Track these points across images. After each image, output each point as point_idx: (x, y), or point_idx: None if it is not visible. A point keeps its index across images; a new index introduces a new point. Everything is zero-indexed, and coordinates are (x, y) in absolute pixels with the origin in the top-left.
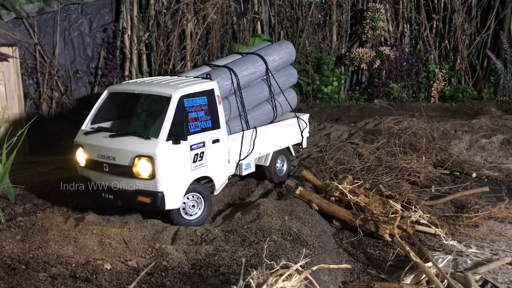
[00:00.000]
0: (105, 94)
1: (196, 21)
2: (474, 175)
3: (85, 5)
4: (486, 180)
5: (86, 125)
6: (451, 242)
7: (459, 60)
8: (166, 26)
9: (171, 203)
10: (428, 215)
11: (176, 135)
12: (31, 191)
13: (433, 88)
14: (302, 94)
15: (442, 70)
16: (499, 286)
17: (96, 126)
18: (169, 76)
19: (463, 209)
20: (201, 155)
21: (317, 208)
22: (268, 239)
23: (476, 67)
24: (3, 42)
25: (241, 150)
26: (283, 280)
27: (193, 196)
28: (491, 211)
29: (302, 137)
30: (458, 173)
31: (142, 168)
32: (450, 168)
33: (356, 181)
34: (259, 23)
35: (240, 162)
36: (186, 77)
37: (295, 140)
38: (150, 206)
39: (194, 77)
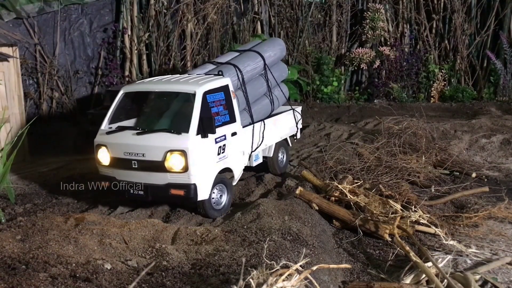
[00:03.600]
0: (120, 94)
1: (196, 21)
2: (474, 175)
3: (85, 5)
4: (486, 180)
5: (105, 125)
6: (451, 242)
7: (459, 60)
8: (166, 26)
9: (202, 194)
10: (428, 215)
11: (205, 129)
12: (31, 191)
13: (433, 88)
14: (302, 94)
15: (442, 70)
16: (499, 286)
17: (113, 125)
18: (178, 74)
19: (463, 209)
20: (223, 147)
21: (317, 208)
22: (268, 239)
23: (476, 67)
24: (4, 42)
25: (252, 141)
26: (283, 280)
27: (219, 187)
28: (491, 211)
29: (297, 128)
30: (458, 173)
31: (175, 162)
32: (450, 168)
33: (356, 181)
34: (259, 23)
35: (251, 154)
36: (197, 74)
37: (292, 131)
38: (184, 198)
39: (205, 74)
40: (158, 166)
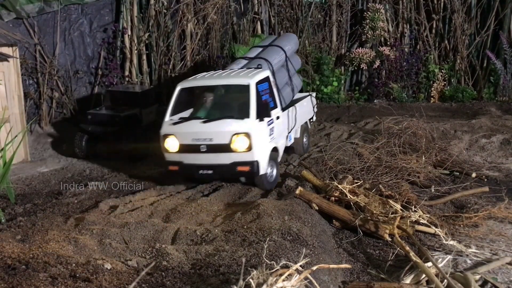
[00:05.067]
0: (177, 90)
1: (196, 21)
2: (474, 175)
3: (85, 5)
4: (486, 180)
5: (168, 118)
6: (451, 242)
7: (459, 60)
8: (166, 26)
9: (262, 169)
10: (428, 215)
11: (262, 114)
12: (31, 191)
13: (433, 88)
14: None
15: (442, 70)
16: (499, 286)
17: (173, 118)
18: (221, 70)
19: (463, 209)
20: (273, 129)
21: (317, 208)
22: (268, 239)
23: (476, 67)
24: (4, 42)
25: (288, 124)
26: (283, 280)
27: (270, 163)
28: (491, 211)
29: (314, 112)
30: (458, 173)
31: (240, 143)
32: (450, 168)
33: (356, 181)
34: (259, 23)
35: (288, 135)
36: (238, 69)
37: (310, 115)
38: (248, 173)
39: (247, 68)
40: (225, 148)
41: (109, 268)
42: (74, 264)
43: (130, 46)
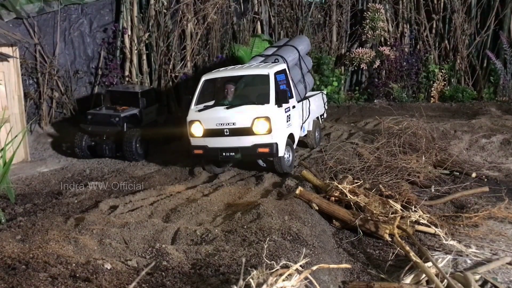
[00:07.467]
0: (202, 81)
1: (196, 21)
2: (474, 175)
3: (85, 5)
4: (486, 180)
5: (194, 106)
6: (451, 242)
7: (459, 60)
8: (166, 26)
9: (281, 151)
10: (428, 215)
11: (280, 100)
12: (31, 191)
13: (433, 88)
14: None
15: (442, 70)
16: (499, 286)
17: (198, 106)
18: (239, 65)
19: (463, 209)
20: (289, 117)
21: (317, 208)
22: (268, 239)
23: (476, 67)
24: (4, 42)
25: (303, 115)
26: (283, 280)
27: (287, 148)
28: (491, 211)
29: (325, 109)
30: (458, 173)
31: (261, 126)
32: (450, 168)
33: (356, 181)
34: (259, 23)
35: (302, 125)
36: (257, 63)
37: (322, 111)
38: (268, 154)
39: (265, 62)
40: (247, 131)
41: (109, 268)
42: (74, 264)
43: (130, 46)
